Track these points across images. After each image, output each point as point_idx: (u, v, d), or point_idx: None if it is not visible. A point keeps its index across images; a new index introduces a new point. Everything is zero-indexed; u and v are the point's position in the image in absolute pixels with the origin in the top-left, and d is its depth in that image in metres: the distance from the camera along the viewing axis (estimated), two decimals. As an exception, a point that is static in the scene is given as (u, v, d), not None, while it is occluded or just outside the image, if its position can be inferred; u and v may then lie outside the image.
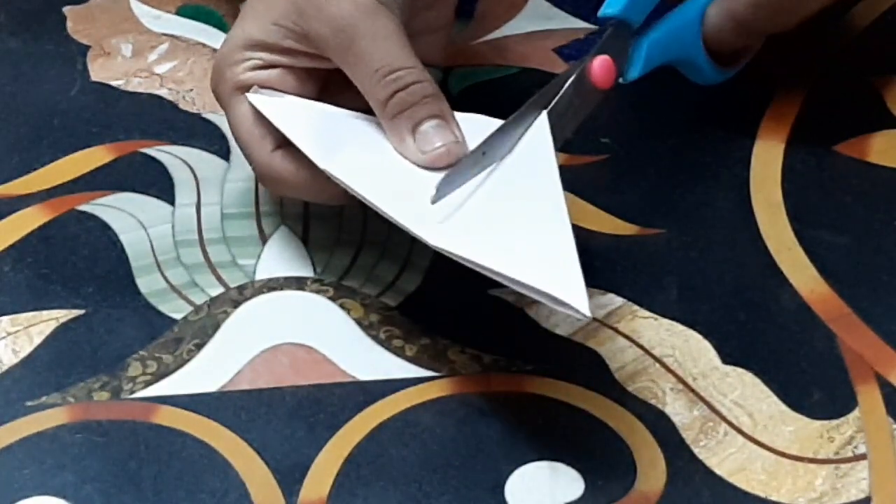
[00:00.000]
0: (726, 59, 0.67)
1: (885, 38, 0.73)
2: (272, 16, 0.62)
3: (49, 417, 0.60)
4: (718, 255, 0.65)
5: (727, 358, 0.61)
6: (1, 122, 0.71)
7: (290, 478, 0.58)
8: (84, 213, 0.67)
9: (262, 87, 0.63)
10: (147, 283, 0.64)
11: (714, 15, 0.66)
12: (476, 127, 0.61)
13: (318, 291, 0.64)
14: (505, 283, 0.56)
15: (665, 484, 0.57)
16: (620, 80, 0.63)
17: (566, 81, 0.61)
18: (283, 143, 0.62)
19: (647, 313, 0.63)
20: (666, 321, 0.62)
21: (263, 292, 0.64)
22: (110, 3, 0.78)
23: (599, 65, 0.62)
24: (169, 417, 0.60)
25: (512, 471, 0.57)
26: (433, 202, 0.58)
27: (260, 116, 0.63)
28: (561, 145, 0.60)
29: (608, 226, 0.66)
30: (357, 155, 0.61)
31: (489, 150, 0.59)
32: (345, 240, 0.66)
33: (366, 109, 0.62)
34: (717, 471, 0.57)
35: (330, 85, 0.64)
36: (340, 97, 0.63)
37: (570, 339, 0.62)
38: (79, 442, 0.59)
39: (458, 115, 0.61)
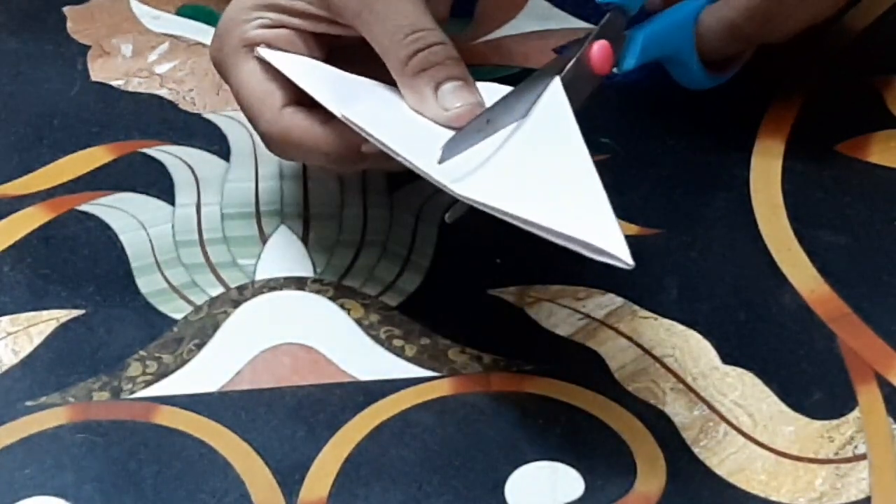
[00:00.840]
0: (717, 64, 0.68)
1: (885, 39, 0.73)
2: None
3: (49, 417, 0.60)
4: (718, 255, 0.65)
5: (727, 358, 0.61)
6: (1, 122, 0.71)
7: (290, 478, 0.58)
8: (84, 213, 0.67)
9: (270, 46, 0.62)
10: (147, 283, 0.64)
11: (708, 20, 0.66)
12: (494, 96, 0.61)
13: (318, 291, 0.64)
14: (538, 232, 0.55)
15: (665, 484, 0.57)
16: (615, 70, 0.63)
17: (568, 62, 0.61)
18: (293, 101, 0.62)
19: (647, 313, 0.63)
20: (666, 321, 0.62)
21: (263, 292, 0.64)
22: (110, 3, 0.78)
23: (598, 49, 0.62)
24: (169, 417, 0.60)
25: (512, 471, 0.57)
26: (440, 162, 0.57)
27: (267, 75, 0.62)
28: None
29: (608, 226, 0.66)
30: (374, 107, 0.60)
31: (493, 118, 0.59)
32: (345, 240, 0.66)
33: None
34: (717, 471, 0.57)
35: (333, 59, 0.63)
36: (345, 69, 0.63)
37: (570, 339, 0.62)
38: (79, 442, 0.59)
39: (478, 84, 0.61)
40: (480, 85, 0.61)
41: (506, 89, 0.61)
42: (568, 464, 0.58)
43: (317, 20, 0.62)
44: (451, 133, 0.59)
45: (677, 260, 0.64)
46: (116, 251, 0.66)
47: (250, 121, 0.63)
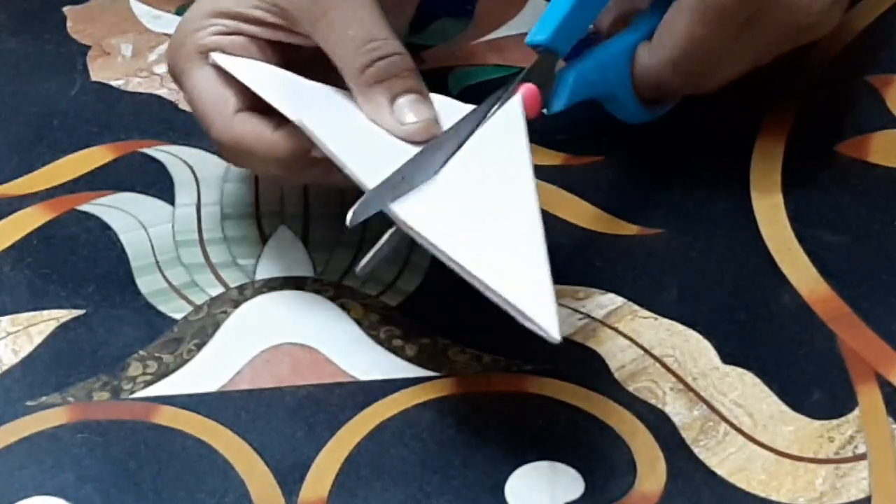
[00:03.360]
0: (652, 99, 0.66)
1: (885, 39, 0.73)
2: None
3: (49, 417, 0.60)
4: (718, 255, 0.65)
5: (727, 358, 0.61)
6: (1, 122, 0.71)
7: (290, 478, 0.58)
8: (84, 213, 0.67)
9: (225, 53, 0.62)
10: (147, 283, 0.64)
11: (641, 61, 0.64)
12: (447, 109, 0.61)
13: (318, 291, 0.64)
14: (468, 278, 0.55)
15: (665, 484, 0.57)
16: (544, 111, 0.62)
17: (492, 108, 0.61)
18: (245, 108, 0.61)
19: (647, 313, 0.63)
20: (666, 321, 0.62)
21: (263, 292, 0.64)
22: (110, 3, 0.78)
23: (525, 93, 0.61)
24: (169, 417, 0.60)
25: (512, 471, 0.57)
26: (349, 225, 0.56)
27: (221, 80, 0.62)
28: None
29: (608, 226, 0.66)
30: (329, 113, 0.60)
31: (408, 176, 0.58)
32: (345, 240, 0.66)
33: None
34: (717, 471, 0.57)
35: (290, 67, 0.63)
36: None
37: (570, 339, 0.62)
38: (79, 442, 0.59)
39: (433, 97, 0.61)
40: (436, 98, 0.61)
41: (461, 105, 0.61)
42: (568, 464, 0.58)
43: (273, 28, 0.62)
44: (404, 146, 0.59)
45: (677, 260, 0.64)
46: (116, 251, 0.66)
47: (203, 127, 0.62)
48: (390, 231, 0.57)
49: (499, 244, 0.56)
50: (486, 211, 0.57)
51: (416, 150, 0.59)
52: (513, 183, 0.58)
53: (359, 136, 0.60)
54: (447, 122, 0.60)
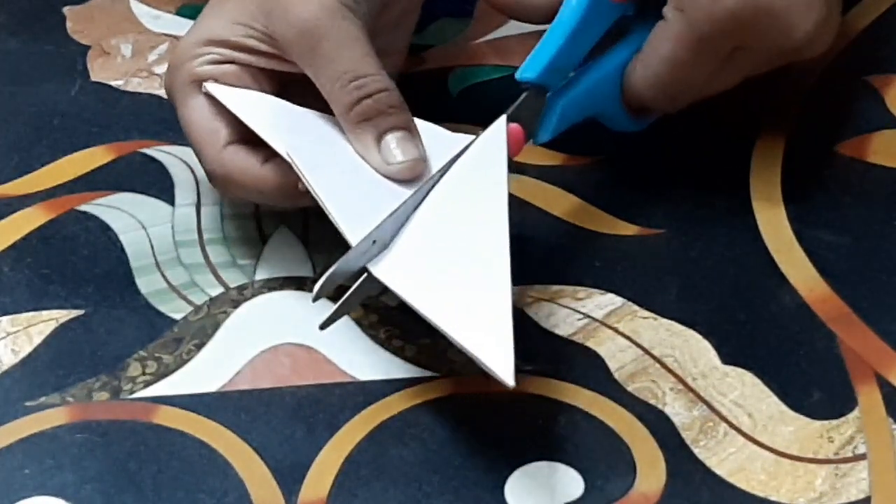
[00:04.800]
0: (640, 111, 0.66)
1: (885, 38, 0.73)
2: (236, 15, 0.62)
3: (49, 417, 0.60)
4: (718, 255, 0.65)
5: (727, 358, 0.61)
6: (1, 122, 0.71)
7: (290, 478, 0.58)
8: (84, 213, 0.67)
9: (219, 82, 0.62)
10: (147, 283, 0.64)
11: (630, 77, 0.64)
12: (436, 140, 0.61)
13: (318, 291, 0.64)
14: (435, 326, 0.57)
15: (665, 484, 0.57)
16: (531, 141, 0.63)
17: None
18: (235, 141, 0.62)
19: (647, 313, 0.63)
20: (666, 321, 0.62)
21: (263, 292, 0.64)
22: (110, 3, 0.78)
23: (509, 133, 0.61)
24: (169, 417, 0.60)
25: (512, 471, 0.57)
26: (314, 300, 0.58)
27: (213, 111, 0.62)
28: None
29: (608, 226, 0.66)
30: (319, 145, 0.61)
31: (379, 239, 0.59)
32: (345, 240, 0.65)
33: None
34: (717, 471, 0.57)
35: (286, 92, 0.64)
36: (297, 104, 0.63)
37: (570, 339, 0.62)
38: (79, 442, 0.59)
39: (420, 125, 0.61)
40: (423, 127, 0.61)
41: (453, 136, 0.61)
42: (568, 464, 0.58)
43: (266, 57, 0.62)
44: (391, 185, 0.60)
45: (677, 260, 0.64)
46: (116, 251, 0.66)
47: (196, 156, 0.63)
48: (357, 283, 0.59)
49: (466, 298, 0.57)
50: (458, 259, 0.58)
51: (402, 189, 0.60)
52: (487, 226, 0.59)
53: (346, 173, 0.60)
54: (434, 154, 0.61)
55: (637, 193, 0.67)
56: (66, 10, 0.77)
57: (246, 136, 0.62)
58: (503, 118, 0.61)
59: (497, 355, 0.55)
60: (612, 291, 0.63)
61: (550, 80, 0.62)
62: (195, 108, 0.63)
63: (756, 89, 0.70)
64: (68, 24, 0.76)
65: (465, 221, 0.59)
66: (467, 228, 0.59)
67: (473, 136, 0.61)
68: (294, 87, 0.63)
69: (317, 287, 0.58)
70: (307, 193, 0.60)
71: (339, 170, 0.60)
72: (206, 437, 0.59)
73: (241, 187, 0.62)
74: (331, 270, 0.58)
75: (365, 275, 0.59)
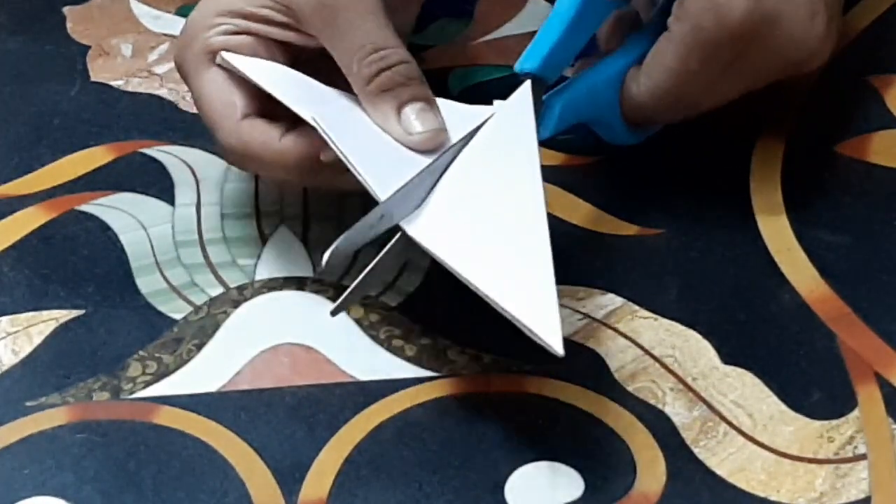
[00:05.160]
0: (639, 123, 0.66)
1: (885, 38, 0.73)
2: None
3: (49, 417, 0.60)
4: (718, 255, 0.65)
5: (727, 358, 0.61)
6: (1, 122, 0.71)
7: (290, 478, 0.58)
8: (84, 213, 0.67)
9: (233, 52, 0.62)
10: (147, 283, 0.64)
11: (630, 88, 0.64)
12: (457, 113, 0.61)
13: (318, 291, 0.64)
14: (475, 290, 0.56)
15: (665, 484, 0.57)
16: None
17: (474, 135, 0.61)
18: (252, 113, 0.62)
19: (647, 313, 0.63)
20: (666, 321, 0.62)
21: (263, 292, 0.64)
22: (110, 3, 0.78)
23: None
24: (169, 417, 0.60)
25: (512, 471, 0.57)
26: (320, 274, 0.57)
27: (228, 83, 0.62)
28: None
29: (608, 226, 0.66)
30: (341, 115, 0.60)
31: (387, 213, 0.58)
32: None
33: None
34: (717, 471, 0.57)
35: (299, 68, 0.63)
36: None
37: (570, 339, 0.62)
38: (79, 442, 0.59)
39: (439, 101, 0.61)
40: (442, 103, 0.61)
41: (467, 108, 0.61)
42: (568, 464, 0.58)
43: (282, 28, 0.62)
44: (413, 154, 0.59)
45: (677, 260, 0.64)
46: (116, 251, 0.66)
47: (210, 131, 0.63)
48: (390, 244, 0.58)
49: (507, 259, 0.56)
50: (494, 221, 0.58)
51: (424, 158, 0.59)
52: (521, 188, 0.58)
53: (369, 140, 0.60)
54: (453, 128, 0.60)
55: (637, 193, 0.67)
56: (66, 10, 0.77)
57: (262, 109, 0.61)
58: (528, 83, 0.61)
59: (544, 321, 0.54)
60: (612, 291, 0.63)
61: (548, 73, 0.62)
62: (209, 80, 0.62)
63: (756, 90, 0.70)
64: (68, 24, 0.77)
65: (499, 184, 0.59)
66: (502, 190, 0.59)
67: (494, 109, 0.61)
68: (307, 63, 0.63)
69: (325, 259, 0.56)
70: (328, 167, 0.59)
71: (364, 137, 0.60)
72: (206, 437, 0.59)
73: (259, 161, 0.61)
74: (337, 242, 0.56)
75: (399, 234, 0.58)
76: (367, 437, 0.59)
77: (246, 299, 0.64)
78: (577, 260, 0.65)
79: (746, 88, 0.64)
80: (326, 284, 0.64)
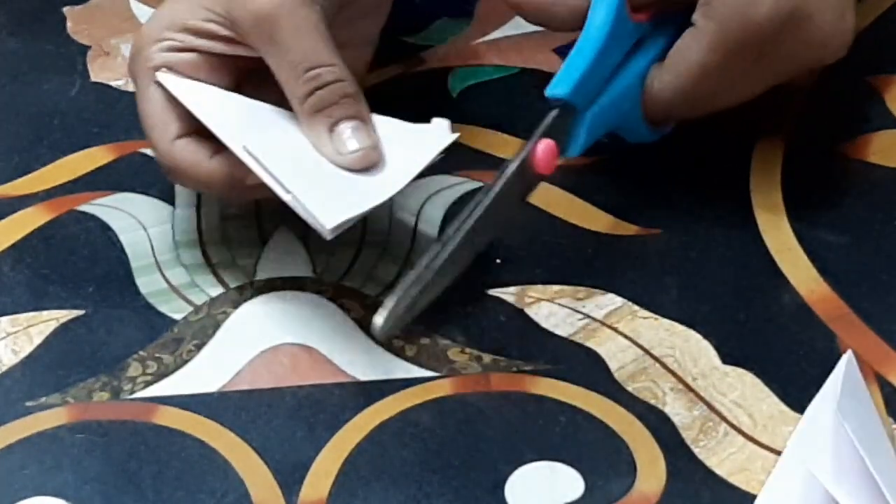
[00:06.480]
0: (659, 121, 0.66)
1: (885, 38, 0.73)
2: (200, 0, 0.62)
3: (49, 417, 0.60)
4: (718, 255, 0.65)
5: (727, 358, 0.61)
6: (1, 122, 0.71)
7: (290, 478, 0.58)
8: (84, 213, 0.67)
9: (175, 70, 0.62)
10: (147, 284, 0.64)
11: (652, 87, 0.64)
12: (391, 131, 0.61)
13: (318, 291, 0.64)
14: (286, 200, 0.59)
15: (665, 484, 0.57)
16: (561, 158, 0.62)
17: (510, 167, 0.61)
18: (186, 133, 0.62)
19: (647, 313, 0.63)
20: (666, 321, 0.62)
21: (263, 292, 0.64)
22: (110, 3, 0.78)
23: (543, 150, 0.61)
24: (169, 417, 0.60)
25: (512, 471, 0.57)
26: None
27: (165, 103, 0.62)
28: (497, 231, 0.62)
29: (608, 226, 0.66)
30: (271, 140, 0.61)
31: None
32: (345, 240, 0.65)
33: (283, 106, 0.62)
34: (717, 471, 0.57)
35: (245, 83, 0.64)
36: (255, 96, 0.63)
37: (570, 339, 0.62)
38: (79, 442, 0.59)
39: (375, 118, 0.62)
40: (381, 121, 0.62)
41: (403, 125, 0.62)
42: (568, 464, 0.58)
43: (226, 42, 0.62)
44: (345, 175, 0.60)
45: (677, 260, 0.64)
46: (116, 251, 0.66)
47: (148, 142, 0.64)
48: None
49: (331, 185, 0.59)
50: (347, 177, 0.60)
51: (358, 177, 0.60)
52: (388, 173, 0.61)
53: (303, 164, 0.61)
54: (389, 146, 0.61)
55: (637, 193, 0.67)
56: (66, 10, 0.77)
57: (197, 129, 0.62)
58: (447, 125, 0.62)
59: (328, 207, 0.57)
60: (612, 291, 0.63)
61: (578, 99, 0.62)
62: (147, 98, 0.63)
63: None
64: (68, 24, 0.77)
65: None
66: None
67: (431, 126, 0.62)
68: (253, 78, 0.63)
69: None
70: (256, 187, 0.60)
71: (292, 162, 0.60)
72: (206, 437, 0.59)
73: (190, 180, 0.63)
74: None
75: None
76: (367, 437, 0.59)
77: (246, 299, 0.64)
78: (577, 260, 0.65)
79: (769, 85, 0.64)
80: (326, 284, 0.64)
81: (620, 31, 0.63)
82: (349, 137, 0.61)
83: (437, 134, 0.62)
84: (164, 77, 0.62)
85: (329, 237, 0.59)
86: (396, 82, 0.72)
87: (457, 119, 0.66)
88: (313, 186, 0.60)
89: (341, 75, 0.61)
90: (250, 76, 0.64)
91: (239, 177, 0.61)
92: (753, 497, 0.56)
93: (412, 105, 0.66)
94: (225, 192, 0.63)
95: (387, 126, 0.62)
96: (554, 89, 0.62)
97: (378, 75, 0.72)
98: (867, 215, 0.66)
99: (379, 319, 0.58)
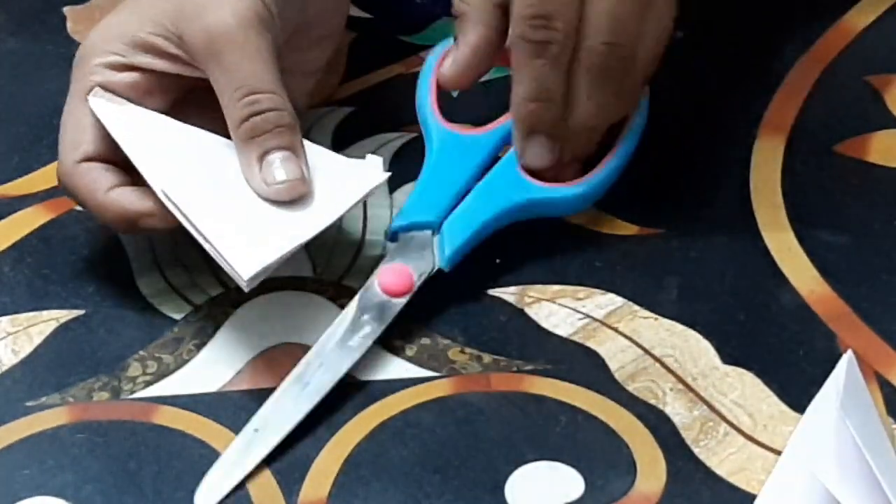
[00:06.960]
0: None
1: (885, 39, 0.73)
2: (151, 12, 0.62)
3: (49, 417, 0.60)
4: (718, 255, 0.65)
5: (727, 358, 0.61)
6: (1, 122, 0.71)
7: (290, 478, 0.57)
8: (84, 213, 0.67)
9: (112, 90, 0.62)
10: (147, 284, 0.64)
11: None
12: (324, 164, 0.61)
13: (318, 291, 0.64)
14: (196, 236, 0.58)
15: (665, 484, 0.57)
16: (442, 267, 0.62)
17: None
18: (94, 158, 0.61)
19: (647, 313, 0.63)
20: (666, 321, 0.62)
21: (263, 292, 0.64)
22: (110, 3, 0.78)
23: (392, 275, 0.61)
24: (169, 417, 0.60)
25: (512, 471, 0.57)
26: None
27: (83, 122, 0.62)
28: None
29: (608, 226, 0.66)
30: (193, 176, 0.60)
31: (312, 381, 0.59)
32: (345, 240, 0.65)
33: (223, 132, 0.61)
34: (717, 471, 0.57)
35: (188, 105, 0.63)
36: (196, 119, 0.62)
37: (570, 339, 0.62)
38: (79, 442, 0.59)
39: (310, 148, 0.61)
40: (312, 150, 0.61)
41: (340, 159, 0.61)
42: (568, 464, 0.58)
43: (170, 60, 0.62)
44: (267, 209, 0.60)
45: (677, 260, 0.64)
46: (116, 251, 0.66)
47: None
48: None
49: (247, 224, 0.59)
50: (267, 211, 0.59)
51: (282, 212, 0.60)
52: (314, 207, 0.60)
53: (222, 202, 0.60)
54: (320, 179, 0.60)
55: (637, 193, 0.67)
56: (66, 10, 0.77)
57: (111, 155, 0.61)
58: (380, 163, 0.61)
59: (245, 254, 0.57)
60: (612, 291, 0.63)
61: (428, 218, 0.63)
62: (69, 112, 0.62)
63: (756, 89, 0.70)
64: (68, 24, 0.76)
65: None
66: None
67: (365, 162, 0.61)
68: (195, 100, 0.63)
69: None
70: (147, 228, 0.61)
71: (217, 199, 0.60)
72: (206, 437, 0.59)
73: (83, 206, 0.62)
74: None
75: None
76: (367, 437, 0.59)
77: (246, 299, 0.64)
78: (577, 260, 0.65)
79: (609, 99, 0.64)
80: (326, 284, 0.64)
81: (456, 148, 0.64)
82: (278, 168, 0.59)
83: (370, 172, 0.61)
84: (96, 102, 0.62)
85: (246, 288, 0.58)
86: (396, 82, 0.72)
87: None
88: (233, 230, 0.59)
89: (279, 104, 0.60)
90: (193, 98, 0.63)
91: (129, 217, 0.60)
92: (753, 497, 0.56)
93: (412, 105, 0.66)
94: (115, 226, 0.62)
95: (320, 158, 0.61)
96: (397, 222, 0.63)
97: (378, 75, 0.72)
98: (867, 215, 0.66)
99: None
